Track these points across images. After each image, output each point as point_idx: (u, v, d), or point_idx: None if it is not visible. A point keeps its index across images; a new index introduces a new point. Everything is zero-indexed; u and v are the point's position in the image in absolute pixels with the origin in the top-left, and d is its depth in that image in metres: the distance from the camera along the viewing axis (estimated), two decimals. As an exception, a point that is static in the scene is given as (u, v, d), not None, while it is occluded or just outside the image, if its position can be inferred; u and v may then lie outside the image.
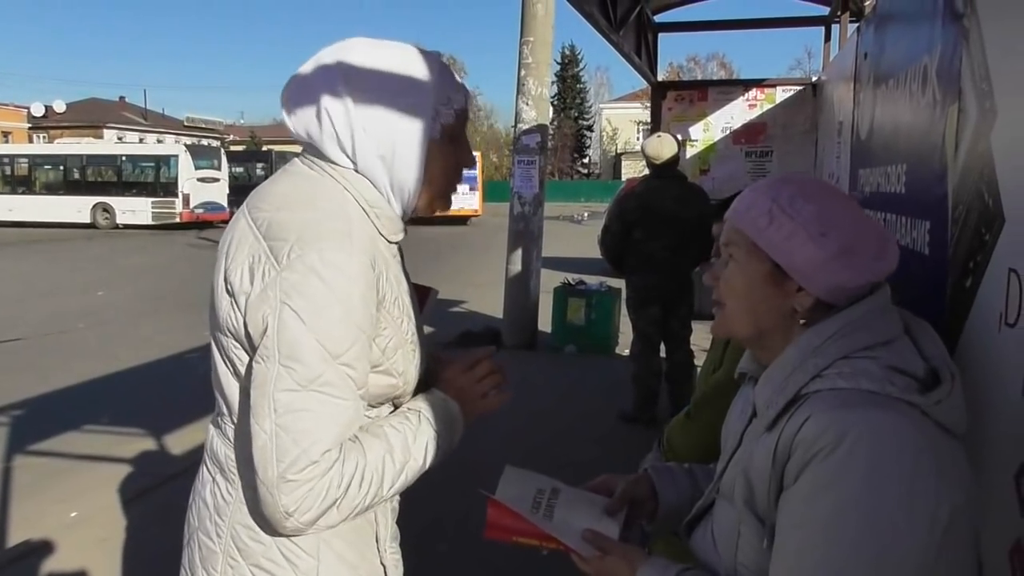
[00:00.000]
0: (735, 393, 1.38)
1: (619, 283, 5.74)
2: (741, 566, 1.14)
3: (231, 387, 1.17)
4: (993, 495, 1.14)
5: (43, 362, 7.08)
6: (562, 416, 5.34)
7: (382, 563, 1.29)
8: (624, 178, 36.47)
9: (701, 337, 4.96)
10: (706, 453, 1.55)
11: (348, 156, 1.15)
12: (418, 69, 1.17)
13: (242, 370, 1.14)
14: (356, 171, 1.16)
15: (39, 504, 3.95)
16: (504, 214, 8.08)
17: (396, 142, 1.15)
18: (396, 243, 1.24)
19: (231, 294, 1.11)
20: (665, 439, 2.14)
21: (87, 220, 24.32)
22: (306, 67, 1.17)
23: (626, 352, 5.59)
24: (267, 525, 1.12)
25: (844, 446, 0.97)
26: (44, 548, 3.43)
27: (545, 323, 7.64)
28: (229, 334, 1.13)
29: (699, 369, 3.83)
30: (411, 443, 1.17)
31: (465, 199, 25.03)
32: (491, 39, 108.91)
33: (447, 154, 1.21)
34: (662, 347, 5.05)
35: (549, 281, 7.94)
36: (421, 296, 1.34)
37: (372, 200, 1.16)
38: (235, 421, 1.17)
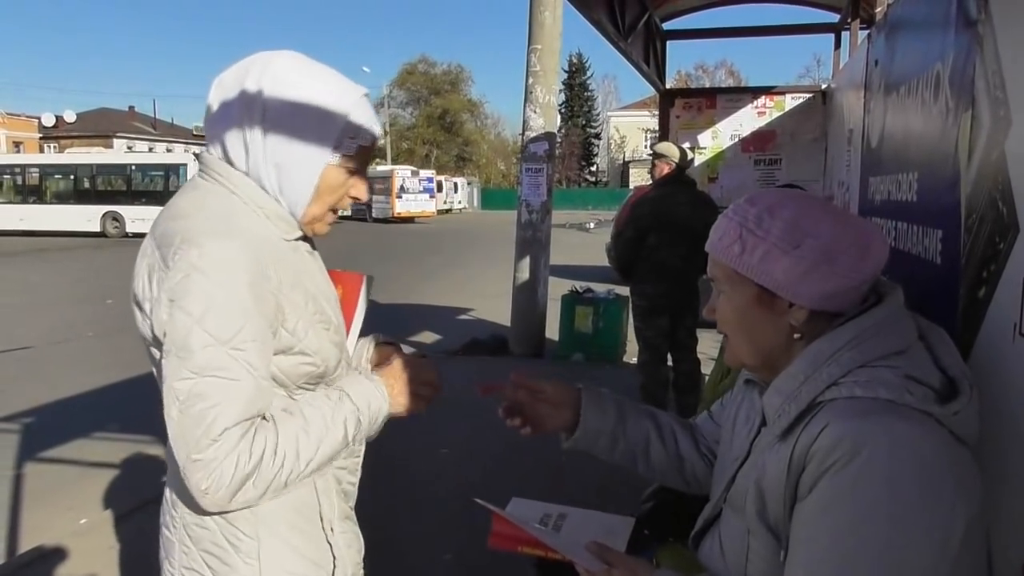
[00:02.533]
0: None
1: (627, 291, 5.71)
2: (751, 579, 1.13)
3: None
4: (1006, 509, 1.12)
5: (52, 370, 7.11)
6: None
7: (329, 542, 1.32)
8: (632, 186, 36.53)
9: (708, 346, 4.93)
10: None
11: (244, 156, 1.22)
12: (334, 96, 1.23)
13: None
14: (246, 174, 1.22)
15: (49, 511, 3.97)
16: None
17: (293, 155, 1.21)
18: (295, 240, 1.28)
19: (138, 304, 1.20)
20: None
21: (97, 229, 24.54)
22: (235, 68, 1.24)
23: (634, 360, 5.57)
24: (197, 507, 1.17)
25: (862, 456, 0.96)
26: (55, 554, 3.43)
27: (553, 331, 7.62)
28: (147, 342, 1.22)
29: (706, 377, 3.81)
30: (329, 418, 1.22)
31: (425, 203, 35.71)
32: (498, 47, 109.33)
33: (340, 182, 1.27)
34: (669, 356, 5.02)
35: (557, 289, 7.92)
36: (353, 283, 1.43)
37: (259, 201, 1.23)
38: None
